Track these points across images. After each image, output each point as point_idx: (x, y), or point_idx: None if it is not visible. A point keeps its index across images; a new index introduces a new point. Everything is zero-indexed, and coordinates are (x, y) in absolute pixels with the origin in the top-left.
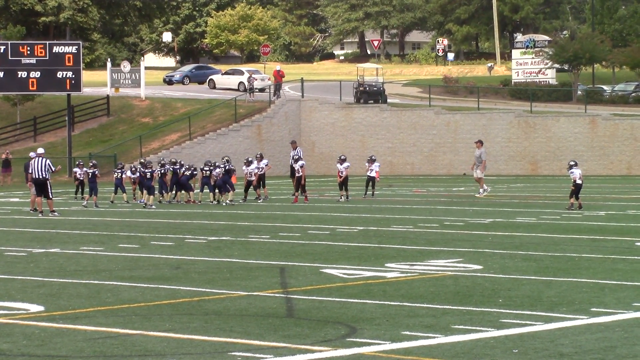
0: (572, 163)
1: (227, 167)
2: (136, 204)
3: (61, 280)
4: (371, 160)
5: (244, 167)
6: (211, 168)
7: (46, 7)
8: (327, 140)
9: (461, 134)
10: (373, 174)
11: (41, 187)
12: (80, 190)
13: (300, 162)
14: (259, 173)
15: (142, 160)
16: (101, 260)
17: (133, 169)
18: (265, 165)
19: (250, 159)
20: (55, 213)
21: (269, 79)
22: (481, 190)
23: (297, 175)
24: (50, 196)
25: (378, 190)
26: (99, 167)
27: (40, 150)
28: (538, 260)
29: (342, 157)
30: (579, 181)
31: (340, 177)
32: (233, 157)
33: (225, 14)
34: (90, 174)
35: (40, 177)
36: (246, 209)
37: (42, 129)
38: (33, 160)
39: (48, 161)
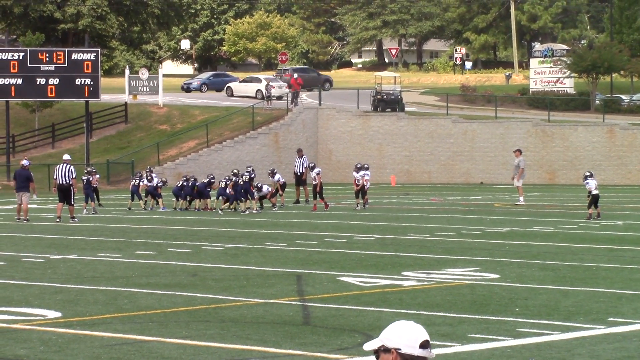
0: (587, 174)
1: (251, 176)
2: (154, 211)
3: (78, 286)
4: (357, 169)
5: (270, 177)
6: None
7: (65, 14)
8: (344, 148)
9: (478, 142)
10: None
11: (65, 193)
12: (96, 197)
13: (316, 170)
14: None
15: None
16: (118, 267)
17: (149, 177)
18: (317, 174)
19: (275, 169)
20: (75, 219)
21: (286, 87)
22: (521, 198)
23: (314, 182)
24: (72, 202)
25: (395, 199)
26: (94, 174)
27: (66, 157)
28: (555, 270)
29: (358, 166)
30: (595, 191)
31: (357, 185)
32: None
33: (243, 22)
34: (84, 180)
35: (64, 183)
36: (263, 216)
37: (60, 135)
38: (58, 166)
39: (72, 167)
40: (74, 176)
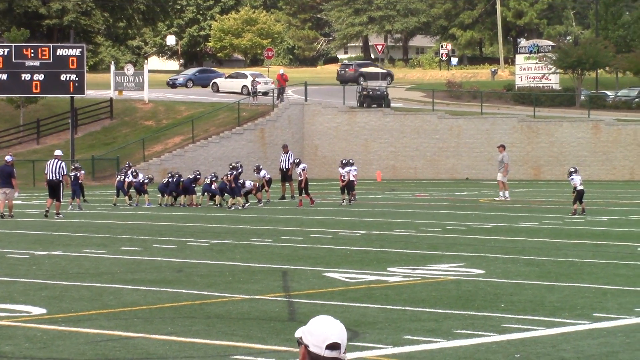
0: (572, 169)
1: (239, 171)
2: (141, 206)
3: (63, 282)
4: (342, 165)
5: (255, 174)
6: (232, 172)
7: (50, 10)
8: (330, 144)
9: (464, 138)
10: (351, 178)
11: (54, 188)
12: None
13: (302, 166)
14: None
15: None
16: (103, 263)
17: (134, 172)
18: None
19: (260, 165)
20: (60, 215)
21: (272, 83)
22: (501, 193)
23: (299, 178)
24: (61, 199)
25: (380, 195)
26: (81, 170)
27: (58, 152)
28: (540, 265)
29: (344, 161)
30: (580, 187)
31: (343, 181)
32: (235, 161)
33: (229, 18)
34: (72, 177)
35: (54, 179)
36: (248, 212)
37: (45, 131)
38: (49, 161)
39: (63, 164)
40: (65, 172)
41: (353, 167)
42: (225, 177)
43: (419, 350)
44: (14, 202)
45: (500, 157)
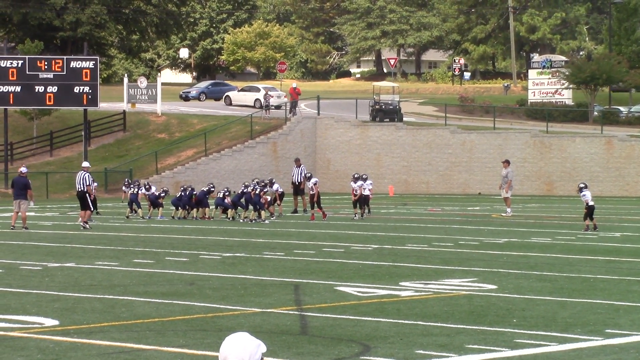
0: (582, 185)
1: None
2: (153, 220)
3: (76, 294)
4: (354, 179)
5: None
6: (260, 187)
7: (64, 22)
8: (342, 158)
9: (477, 153)
10: (367, 192)
11: (80, 199)
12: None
13: (313, 180)
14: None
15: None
16: (116, 275)
17: (147, 185)
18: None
19: (273, 179)
20: (87, 226)
21: (285, 96)
22: (508, 209)
23: (311, 192)
24: (88, 208)
25: (393, 209)
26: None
27: (85, 164)
28: (553, 281)
29: (356, 176)
30: (591, 203)
31: (355, 195)
32: (248, 174)
33: (242, 31)
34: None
35: (79, 189)
36: (261, 226)
37: (59, 143)
38: (78, 174)
39: (87, 175)
40: (87, 183)
41: (368, 182)
42: (254, 191)
43: None
44: (27, 213)
45: (505, 172)
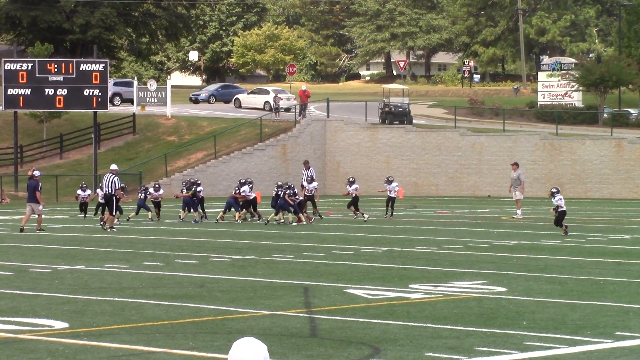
0: (555, 190)
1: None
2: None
3: (85, 297)
4: (389, 181)
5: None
6: (283, 190)
7: (74, 25)
8: (352, 160)
9: (486, 155)
10: (393, 194)
11: (106, 202)
12: (84, 212)
13: (314, 184)
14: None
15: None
16: (125, 278)
17: (157, 185)
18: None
19: (282, 183)
20: (113, 229)
21: (294, 99)
22: (519, 211)
23: (311, 194)
24: (113, 212)
25: (402, 212)
26: (87, 189)
27: (113, 167)
28: (562, 283)
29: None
30: (563, 208)
31: (349, 195)
32: (258, 177)
33: (251, 34)
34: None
35: (107, 192)
36: (270, 228)
37: (68, 146)
38: (105, 176)
39: (115, 178)
40: (117, 187)
41: (394, 184)
42: (287, 194)
43: None
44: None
45: (516, 175)
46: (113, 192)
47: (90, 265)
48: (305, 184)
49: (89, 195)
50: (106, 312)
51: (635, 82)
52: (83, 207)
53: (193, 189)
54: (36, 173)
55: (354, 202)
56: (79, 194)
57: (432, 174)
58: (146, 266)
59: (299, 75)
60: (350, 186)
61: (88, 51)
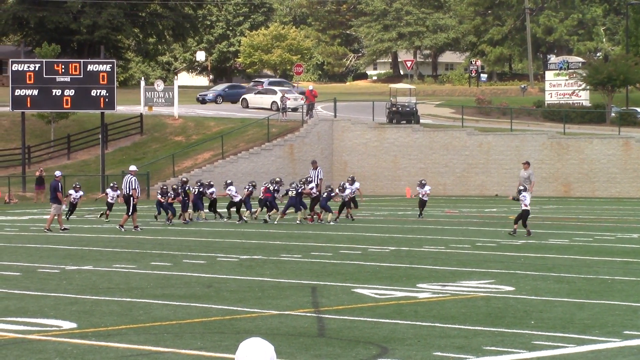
0: (522, 188)
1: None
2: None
3: (94, 297)
4: (421, 185)
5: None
6: (296, 188)
7: (81, 25)
8: (359, 160)
9: (494, 155)
10: (426, 198)
11: (126, 202)
12: (70, 212)
13: (311, 185)
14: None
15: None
16: (133, 278)
17: (164, 187)
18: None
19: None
20: (136, 229)
21: (301, 99)
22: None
23: (312, 195)
24: (129, 212)
25: (410, 211)
26: (116, 189)
27: (132, 168)
28: (570, 282)
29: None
30: (528, 207)
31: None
32: (265, 177)
33: (258, 34)
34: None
35: (126, 193)
36: (278, 228)
37: (76, 146)
38: (125, 177)
39: (133, 179)
40: (133, 187)
41: (427, 187)
42: (307, 189)
43: None
44: (46, 217)
45: (527, 174)
46: (131, 193)
47: (98, 265)
48: (307, 187)
49: (80, 196)
50: (114, 312)
51: None
52: (72, 207)
53: (172, 194)
54: (57, 173)
55: (350, 202)
56: (70, 194)
57: (440, 173)
58: (154, 266)
59: (306, 75)
60: (352, 185)
61: (95, 52)
